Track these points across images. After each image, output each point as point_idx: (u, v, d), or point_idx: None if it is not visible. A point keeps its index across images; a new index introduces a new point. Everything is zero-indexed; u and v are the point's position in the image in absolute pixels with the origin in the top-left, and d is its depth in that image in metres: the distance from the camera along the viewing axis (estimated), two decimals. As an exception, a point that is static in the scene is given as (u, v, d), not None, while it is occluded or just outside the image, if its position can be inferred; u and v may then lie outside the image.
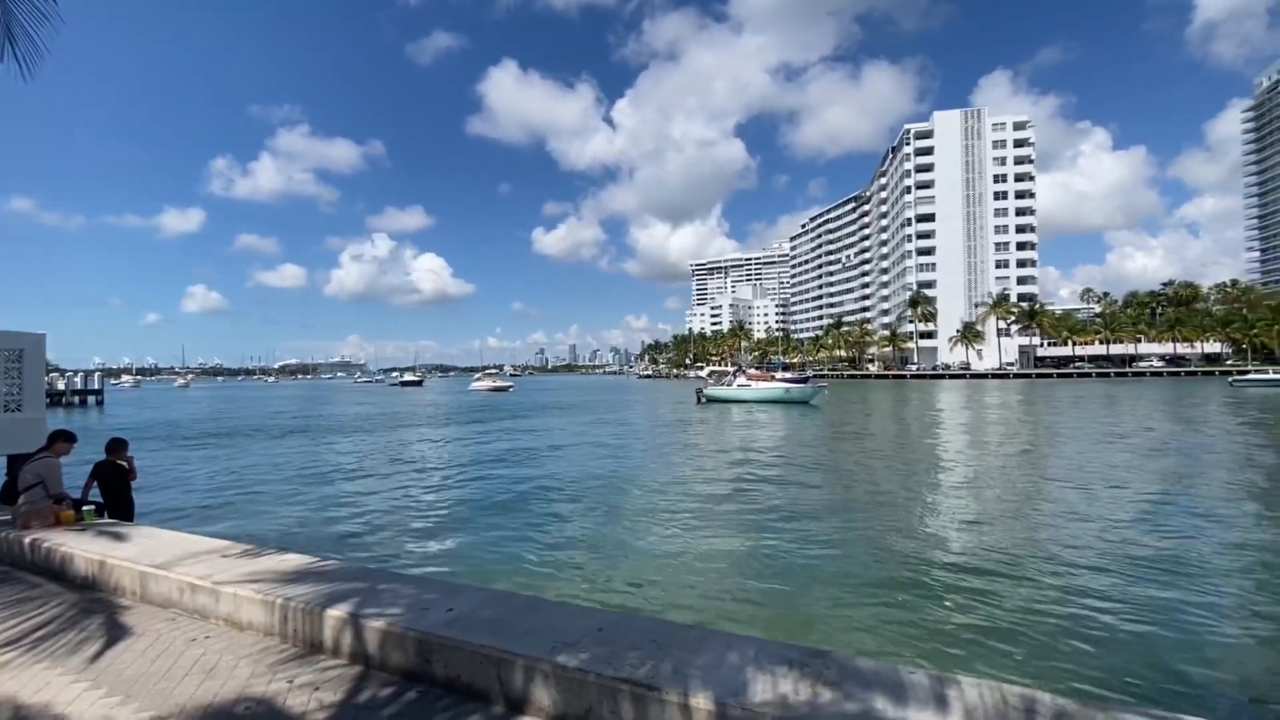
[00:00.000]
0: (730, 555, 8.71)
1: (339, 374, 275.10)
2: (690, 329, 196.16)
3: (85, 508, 5.53)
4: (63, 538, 4.93)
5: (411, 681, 2.88)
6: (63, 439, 5.76)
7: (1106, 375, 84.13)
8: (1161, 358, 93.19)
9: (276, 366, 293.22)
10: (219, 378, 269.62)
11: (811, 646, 2.75)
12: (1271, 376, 55.95)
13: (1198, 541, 8.83)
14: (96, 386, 58.62)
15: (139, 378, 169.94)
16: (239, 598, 3.55)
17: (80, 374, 60.74)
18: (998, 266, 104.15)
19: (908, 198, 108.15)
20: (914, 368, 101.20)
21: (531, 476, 15.63)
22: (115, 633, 3.61)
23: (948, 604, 6.71)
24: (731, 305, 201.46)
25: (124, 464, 6.07)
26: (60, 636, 3.62)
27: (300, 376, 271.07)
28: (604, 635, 2.80)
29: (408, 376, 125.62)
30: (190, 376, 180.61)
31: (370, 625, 3.03)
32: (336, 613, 3.17)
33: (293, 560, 4.12)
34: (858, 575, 7.67)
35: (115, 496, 5.98)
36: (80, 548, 4.63)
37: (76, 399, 54.94)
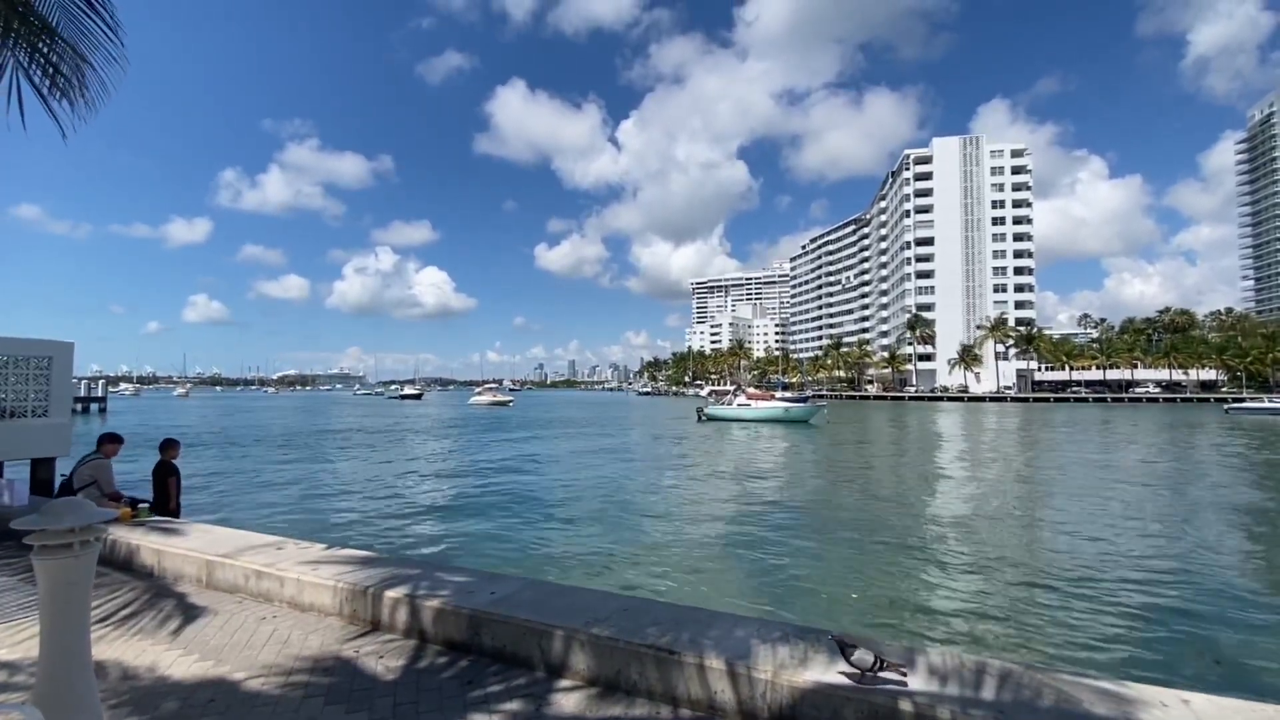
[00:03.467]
0: (732, 558, 9.26)
1: (337, 386, 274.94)
2: (690, 347, 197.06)
3: (140, 505, 5.99)
4: (123, 532, 5.39)
5: (463, 652, 3.36)
6: (110, 441, 6.24)
7: (1103, 400, 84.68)
8: (1157, 383, 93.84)
9: (276, 377, 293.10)
10: (218, 387, 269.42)
11: (805, 624, 3.23)
12: (1267, 405, 56.50)
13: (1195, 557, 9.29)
14: (100, 394, 59.06)
15: (139, 386, 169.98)
16: (302, 582, 4.03)
17: (84, 381, 61.12)
18: (996, 290, 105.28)
19: (907, 221, 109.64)
20: (912, 389, 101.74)
21: (545, 487, 16.06)
22: (191, 612, 4.08)
23: (930, 603, 7.15)
24: (731, 324, 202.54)
25: (176, 464, 6.54)
26: (141, 616, 4.08)
27: (299, 387, 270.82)
28: (628, 614, 3.29)
29: (407, 390, 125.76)
30: (189, 386, 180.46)
31: (425, 604, 3.51)
32: (394, 594, 3.65)
33: (344, 552, 4.60)
34: (849, 575, 8.13)
35: (164, 494, 6.43)
36: (143, 541, 5.10)
37: (79, 405, 55.26)
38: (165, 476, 6.44)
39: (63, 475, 6.14)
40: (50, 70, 4.01)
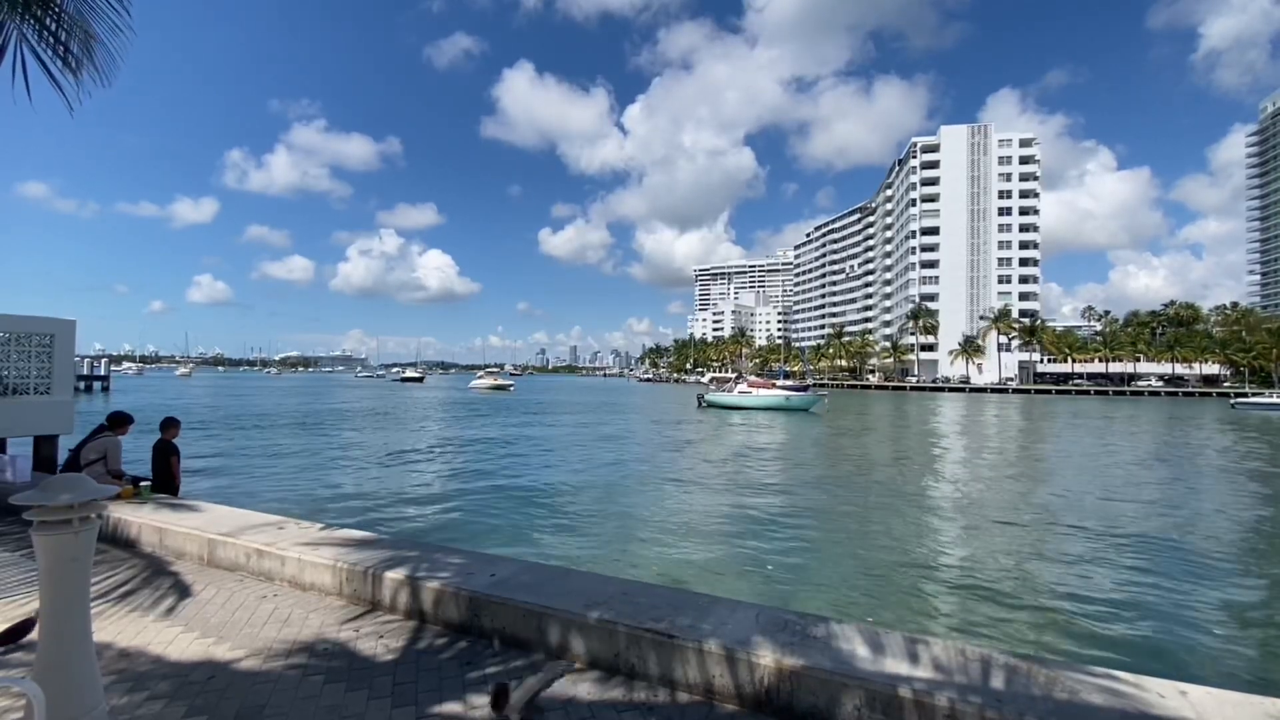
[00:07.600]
0: (730, 543, 9.30)
1: (339, 368, 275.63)
2: (692, 334, 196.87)
3: (143, 483, 6.01)
4: (126, 510, 5.41)
5: (462, 633, 3.37)
6: (124, 420, 6.25)
7: (1105, 393, 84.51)
8: (1160, 377, 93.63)
9: (278, 358, 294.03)
10: (220, 368, 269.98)
11: (804, 611, 3.24)
12: (1273, 400, 56.25)
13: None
14: (103, 373, 59.29)
15: (141, 365, 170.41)
16: (303, 562, 4.04)
17: (87, 360, 61.37)
18: (1000, 281, 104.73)
19: (912, 210, 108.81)
20: (914, 379, 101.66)
21: (544, 471, 16.12)
22: (192, 590, 4.10)
23: (927, 595, 7.19)
24: (734, 311, 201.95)
25: (176, 442, 6.55)
26: (141, 593, 4.11)
27: (301, 369, 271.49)
28: (627, 597, 3.29)
29: (409, 373, 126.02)
30: (192, 366, 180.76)
31: (425, 586, 3.52)
32: (394, 575, 3.66)
33: (345, 533, 4.61)
34: (846, 563, 8.16)
35: (164, 473, 6.45)
36: (145, 519, 5.12)
37: (82, 384, 55.44)
38: (167, 455, 6.45)
39: (68, 450, 6.14)
40: (54, 41, 3.93)
